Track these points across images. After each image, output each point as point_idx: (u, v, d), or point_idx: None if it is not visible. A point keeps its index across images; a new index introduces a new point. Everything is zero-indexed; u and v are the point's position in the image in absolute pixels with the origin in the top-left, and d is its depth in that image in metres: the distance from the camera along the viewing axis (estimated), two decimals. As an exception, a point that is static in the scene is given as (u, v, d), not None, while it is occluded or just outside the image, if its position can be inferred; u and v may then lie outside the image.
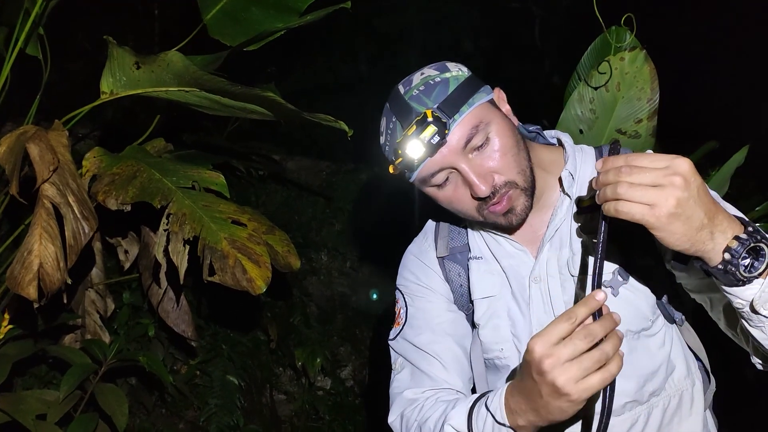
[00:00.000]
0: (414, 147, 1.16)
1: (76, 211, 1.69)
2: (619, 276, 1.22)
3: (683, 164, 0.92)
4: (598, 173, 0.99)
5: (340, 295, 3.90)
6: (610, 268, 1.22)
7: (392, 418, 1.32)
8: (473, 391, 1.35)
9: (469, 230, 1.38)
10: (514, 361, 1.30)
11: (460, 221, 1.38)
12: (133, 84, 1.74)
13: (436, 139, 1.15)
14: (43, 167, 1.63)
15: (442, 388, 1.29)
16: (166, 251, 1.93)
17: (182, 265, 1.91)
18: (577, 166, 1.28)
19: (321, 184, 3.89)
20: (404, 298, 1.40)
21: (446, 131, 1.15)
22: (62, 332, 2.46)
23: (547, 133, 1.37)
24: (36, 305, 1.56)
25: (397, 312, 1.41)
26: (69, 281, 1.62)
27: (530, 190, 1.22)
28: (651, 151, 1.07)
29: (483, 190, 1.16)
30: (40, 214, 1.60)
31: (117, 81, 1.75)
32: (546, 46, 5.40)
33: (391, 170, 1.26)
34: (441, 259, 1.38)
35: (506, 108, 1.26)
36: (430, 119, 1.15)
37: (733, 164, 2.05)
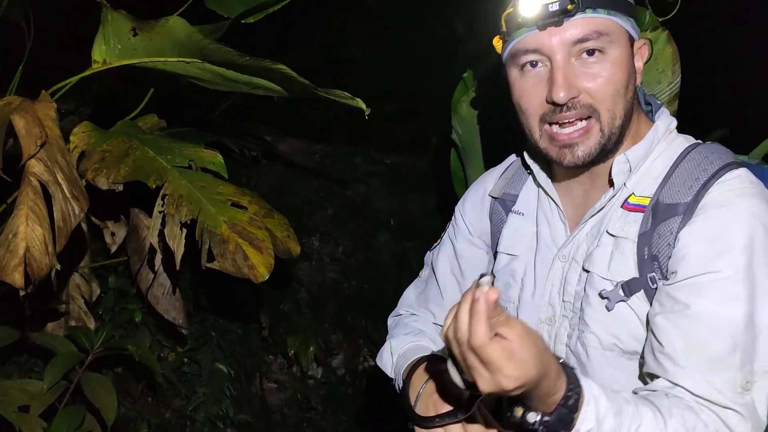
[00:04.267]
0: (531, 4, 1.08)
1: (66, 191, 1.56)
2: (621, 290, 1.13)
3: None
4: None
5: (332, 281, 3.80)
6: (616, 278, 1.13)
7: (391, 316, 1.55)
8: None
9: (528, 181, 1.32)
10: (518, 317, 1.27)
11: (528, 166, 1.31)
12: (129, 53, 1.61)
13: (556, 8, 1.06)
14: (29, 142, 1.49)
15: (430, 321, 1.44)
16: (161, 235, 1.80)
17: (179, 250, 1.79)
18: (649, 155, 1.17)
19: (314, 167, 3.76)
20: (452, 221, 1.45)
21: (570, 12, 1.06)
22: (45, 318, 2.33)
23: (659, 113, 1.24)
24: (22, 293, 1.43)
25: (446, 227, 1.48)
26: (58, 267, 1.49)
27: (607, 139, 1.12)
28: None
29: (561, 95, 1.08)
30: (26, 192, 1.47)
31: (111, 49, 1.61)
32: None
33: (495, 42, 1.19)
34: (492, 198, 1.37)
35: (639, 65, 1.16)
36: None
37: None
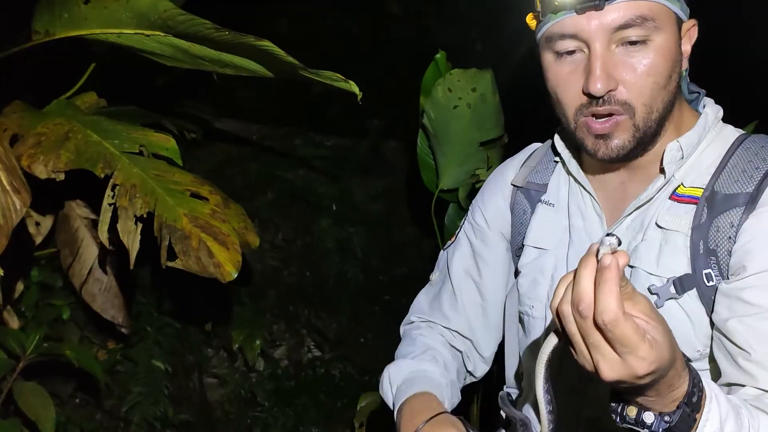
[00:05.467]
0: None
1: (5, 183, 1.34)
2: (672, 287, 1.04)
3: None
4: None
5: (272, 269, 3.64)
6: (666, 274, 1.05)
7: (402, 325, 1.43)
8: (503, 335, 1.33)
9: (557, 170, 1.23)
10: (540, 325, 1.19)
11: (556, 153, 1.22)
12: (78, 23, 1.40)
13: None
14: (-39, 125, 1.27)
15: (443, 326, 1.35)
16: (112, 229, 1.61)
17: (134, 247, 1.60)
18: (699, 144, 1.09)
19: (252, 150, 3.57)
20: (467, 217, 1.35)
21: None
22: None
23: (704, 100, 1.16)
24: (-38, 301, 1.22)
25: (461, 224, 1.37)
26: (1, 273, 1.28)
27: (642, 134, 1.04)
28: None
29: (598, 87, 0.99)
30: (-40, 185, 1.25)
31: (56, 18, 1.40)
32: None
33: (529, 19, 1.09)
34: (515, 188, 1.27)
35: (686, 48, 1.07)
36: None
37: None
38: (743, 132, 1.13)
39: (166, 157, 1.79)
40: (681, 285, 1.04)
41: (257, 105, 3.81)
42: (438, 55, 1.94)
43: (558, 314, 0.80)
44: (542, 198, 1.21)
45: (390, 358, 3.24)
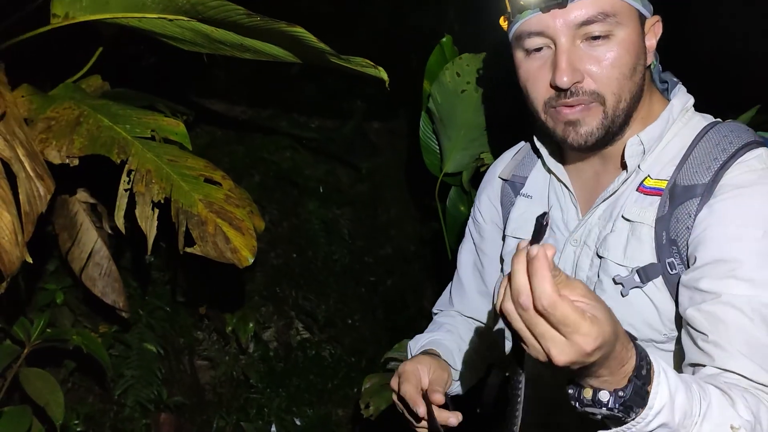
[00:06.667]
0: None
1: (29, 169, 1.33)
2: (636, 276, 1.09)
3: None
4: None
5: (259, 251, 3.62)
6: (632, 264, 1.10)
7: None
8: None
9: (538, 164, 1.29)
10: None
11: (537, 150, 1.29)
12: (100, 7, 1.38)
13: None
14: (-15, 111, 1.25)
15: (459, 312, 1.45)
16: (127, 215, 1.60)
17: (151, 233, 1.60)
18: (663, 136, 1.13)
19: (238, 132, 3.54)
20: (472, 212, 1.41)
21: None
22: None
23: (675, 90, 1.20)
24: (-2, 291, 1.21)
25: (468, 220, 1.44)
26: (30, 260, 1.27)
27: (611, 122, 1.10)
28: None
29: (564, 80, 1.05)
30: (-13, 172, 1.23)
31: (77, 1, 1.37)
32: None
33: (501, 21, 1.15)
34: (503, 181, 1.34)
35: (651, 43, 1.12)
36: None
37: None
38: (713, 120, 1.16)
39: (176, 141, 1.78)
40: (645, 274, 1.09)
41: (239, 86, 3.77)
42: (444, 39, 1.96)
43: (503, 314, 0.82)
44: (522, 191, 1.28)
45: (375, 339, 3.29)
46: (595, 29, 1.04)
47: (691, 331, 1.04)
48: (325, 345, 3.35)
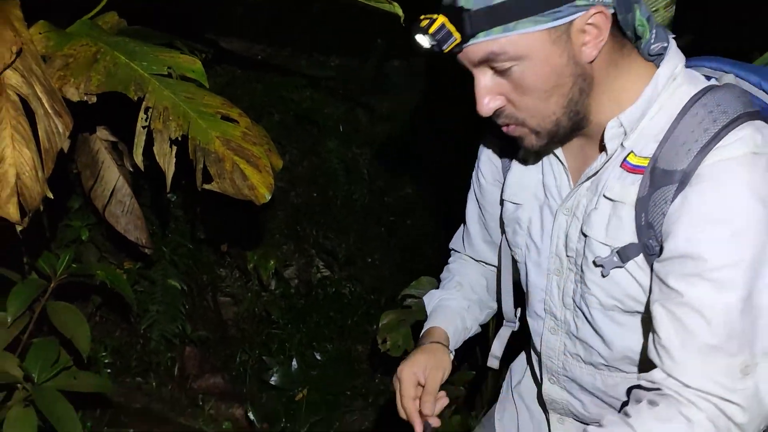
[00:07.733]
0: (419, 43, 1.00)
1: (47, 105, 1.34)
2: (616, 257, 1.07)
3: None
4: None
5: (279, 190, 3.66)
6: (614, 244, 1.07)
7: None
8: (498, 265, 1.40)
9: None
10: (523, 268, 1.28)
11: None
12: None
13: (438, 48, 0.99)
14: (3, 48, 1.25)
15: (470, 256, 1.47)
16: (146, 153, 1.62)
17: (170, 169, 1.62)
18: (646, 114, 1.05)
19: (256, 71, 3.52)
20: (477, 161, 1.38)
21: (459, 45, 0.98)
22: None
23: (665, 57, 1.07)
24: (19, 228, 1.24)
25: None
26: (51, 196, 1.30)
27: (549, 133, 1.06)
28: None
29: (483, 111, 1.03)
30: (6, 109, 1.25)
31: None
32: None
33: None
34: (500, 140, 1.29)
35: (590, 45, 1.00)
36: (438, 26, 0.98)
37: None
38: (703, 87, 1.05)
39: (192, 79, 1.78)
40: (625, 254, 1.06)
41: (258, 26, 3.73)
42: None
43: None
44: (520, 155, 1.24)
45: (394, 278, 3.34)
46: (496, 66, 0.99)
47: (651, 328, 1.02)
48: (345, 283, 3.40)
